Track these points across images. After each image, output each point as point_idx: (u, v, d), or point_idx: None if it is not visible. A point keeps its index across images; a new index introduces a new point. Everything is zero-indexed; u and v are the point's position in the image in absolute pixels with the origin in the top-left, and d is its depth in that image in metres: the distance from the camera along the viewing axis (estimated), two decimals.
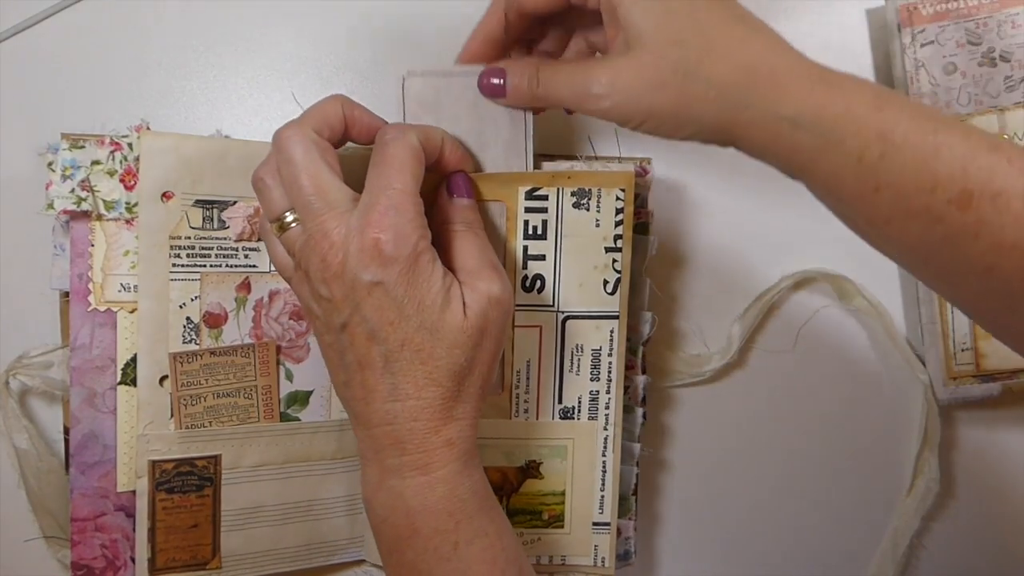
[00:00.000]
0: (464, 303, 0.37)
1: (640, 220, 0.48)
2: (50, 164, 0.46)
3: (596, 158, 0.49)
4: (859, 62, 0.52)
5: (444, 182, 0.42)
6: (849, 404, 0.53)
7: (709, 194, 0.53)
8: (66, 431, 0.48)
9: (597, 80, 0.37)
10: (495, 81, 0.42)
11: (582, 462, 0.47)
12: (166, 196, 0.46)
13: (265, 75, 0.53)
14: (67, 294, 0.47)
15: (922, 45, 0.48)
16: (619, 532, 0.49)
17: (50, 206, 0.46)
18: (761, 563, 0.54)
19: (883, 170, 0.34)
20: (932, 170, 0.34)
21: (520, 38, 0.44)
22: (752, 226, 0.53)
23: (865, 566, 0.53)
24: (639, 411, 0.49)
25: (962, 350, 0.48)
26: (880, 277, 0.52)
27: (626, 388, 0.48)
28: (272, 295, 0.47)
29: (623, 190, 0.45)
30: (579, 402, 0.47)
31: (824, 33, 0.52)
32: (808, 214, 0.50)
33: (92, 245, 0.46)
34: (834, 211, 0.39)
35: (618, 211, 0.45)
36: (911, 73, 0.48)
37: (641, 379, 0.49)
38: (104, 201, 0.47)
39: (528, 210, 0.46)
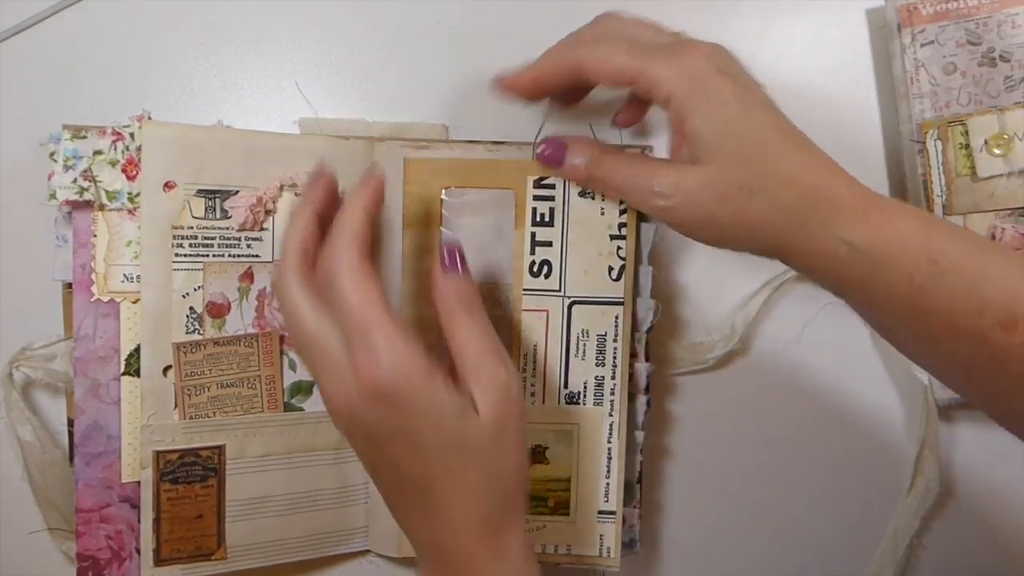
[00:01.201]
0: (475, 403, 0.36)
1: None
2: (52, 154, 0.46)
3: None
4: (859, 62, 0.52)
5: (438, 253, 0.40)
6: (849, 403, 0.53)
7: None
8: (70, 423, 0.47)
9: (661, 181, 0.39)
10: (555, 154, 0.43)
11: (587, 448, 0.48)
12: (168, 186, 0.46)
13: (264, 72, 0.53)
14: (70, 285, 0.47)
15: (922, 45, 0.48)
16: (624, 520, 0.49)
17: (52, 196, 0.46)
18: (759, 562, 0.54)
19: (932, 293, 0.36)
20: (980, 294, 0.36)
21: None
22: None
23: (865, 566, 0.53)
24: (643, 399, 0.49)
25: None
26: None
27: (629, 376, 0.48)
28: None
29: None
30: (584, 387, 0.48)
31: (824, 33, 0.52)
32: None
33: (95, 235, 0.46)
34: (879, 328, 0.41)
35: (622, 200, 0.46)
36: (911, 73, 0.48)
37: (644, 367, 0.49)
38: (106, 191, 0.46)
39: (536, 198, 0.47)
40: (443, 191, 0.48)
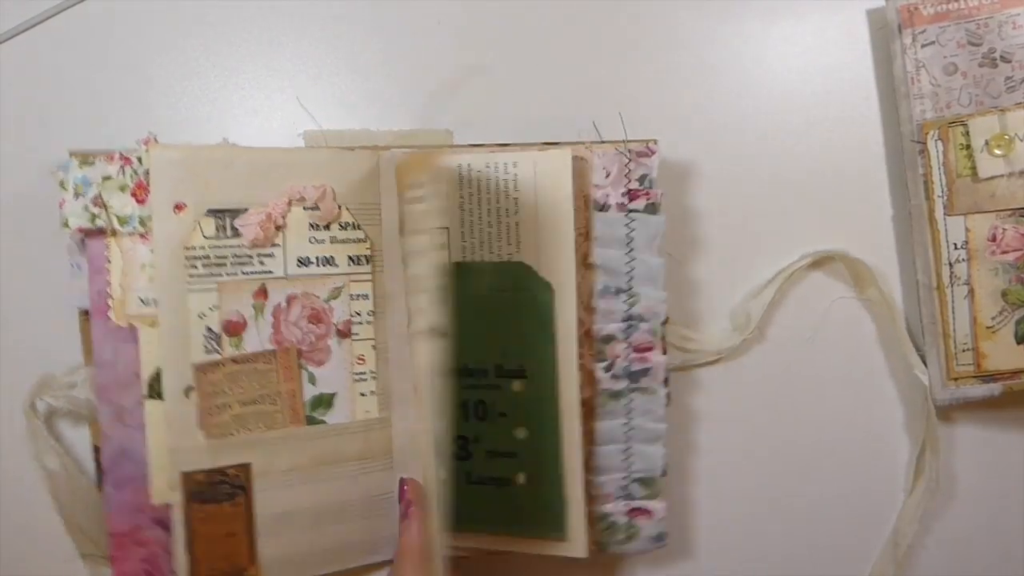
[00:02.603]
0: None
1: (649, 201, 0.49)
2: (61, 182, 0.46)
3: (602, 142, 0.49)
4: (860, 62, 0.52)
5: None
6: (851, 401, 0.54)
7: (720, 172, 0.53)
8: (95, 449, 0.48)
9: None
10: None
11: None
12: (178, 207, 0.46)
13: (266, 75, 0.52)
14: (86, 312, 0.47)
15: (923, 46, 0.49)
16: (652, 513, 0.50)
17: (65, 224, 0.46)
18: (759, 562, 0.55)
19: None
20: None
21: None
22: (765, 206, 0.53)
23: (865, 566, 0.54)
24: (662, 391, 0.50)
25: (963, 350, 0.49)
26: (880, 273, 0.53)
27: (647, 370, 0.49)
28: (290, 299, 0.48)
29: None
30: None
31: (825, 33, 0.52)
32: (818, 196, 0.52)
33: (109, 261, 0.46)
34: None
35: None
36: (912, 74, 0.49)
37: (662, 359, 0.50)
38: (117, 216, 0.46)
39: None
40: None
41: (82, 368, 0.49)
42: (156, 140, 0.47)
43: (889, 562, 0.53)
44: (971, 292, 0.49)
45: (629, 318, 0.49)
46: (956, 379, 0.50)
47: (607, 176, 0.49)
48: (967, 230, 0.49)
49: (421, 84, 0.53)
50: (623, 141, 0.49)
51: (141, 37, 0.52)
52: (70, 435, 0.51)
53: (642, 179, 0.49)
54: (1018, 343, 0.48)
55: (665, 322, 0.49)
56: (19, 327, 0.51)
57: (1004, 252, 0.48)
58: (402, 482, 0.49)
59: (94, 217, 0.46)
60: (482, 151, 0.49)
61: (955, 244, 0.49)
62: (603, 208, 0.49)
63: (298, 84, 0.52)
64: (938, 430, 0.52)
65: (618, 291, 0.49)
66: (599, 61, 0.52)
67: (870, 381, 0.53)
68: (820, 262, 0.53)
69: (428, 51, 0.53)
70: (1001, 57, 0.48)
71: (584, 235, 0.49)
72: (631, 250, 0.49)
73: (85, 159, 0.46)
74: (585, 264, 0.49)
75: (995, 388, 0.49)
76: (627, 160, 0.49)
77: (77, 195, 0.46)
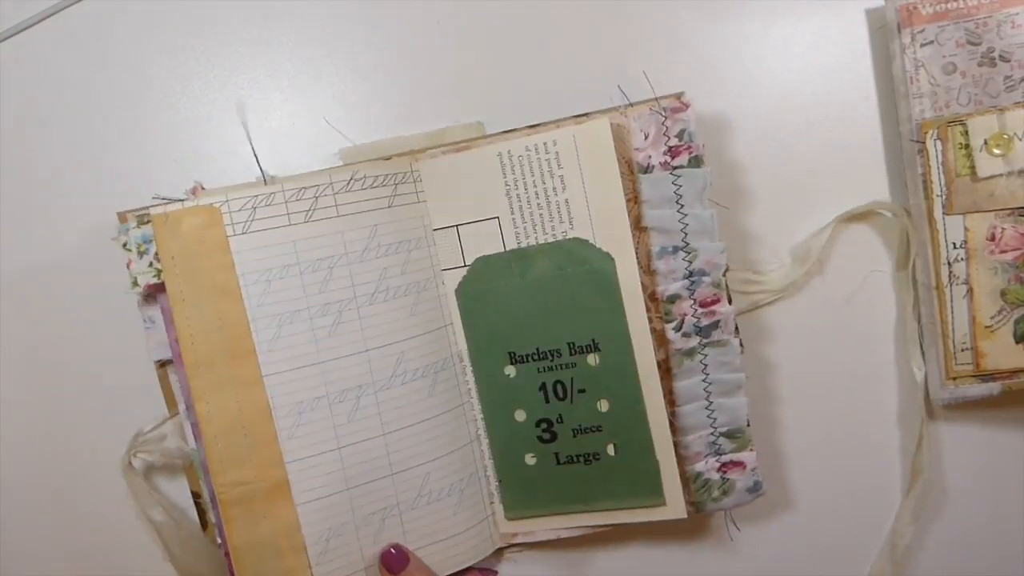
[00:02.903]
0: None
1: (692, 155, 0.48)
2: (124, 244, 0.47)
3: (631, 105, 0.49)
4: (859, 62, 0.51)
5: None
6: (852, 401, 0.53)
7: (720, 172, 0.52)
8: (195, 495, 0.50)
9: None
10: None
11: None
12: None
13: (266, 76, 0.53)
14: (162, 363, 0.49)
15: (922, 45, 0.48)
16: (744, 465, 0.50)
17: (135, 283, 0.47)
18: (757, 561, 0.54)
19: None
20: None
21: None
22: (765, 206, 0.53)
23: (863, 567, 0.54)
24: (735, 341, 0.49)
25: (962, 350, 0.49)
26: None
27: (716, 323, 0.49)
28: None
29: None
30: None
31: (824, 33, 0.51)
32: (818, 196, 0.52)
33: None
34: None
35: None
36: (911, 73, 0.49)
37: (730, 310, 0.49)
38: None
39: None
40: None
41: (168, 420, 0.50)
42: (203, 188, 0.48)
43: (887, 562, 0.52)
44: (970, 291, 0.49)
45: (690, 274, 0.49)
46: (955, 378, 0.50)
47: (646, 138, 0.48)
48: (966, 229, 0.48)
49: (421, 84, 0.53)
50: (655, 99, 0.49)
51: (141, 37, 0.52)
52: (166, 486, 0.52)
53: (680, 134, 0.48)
54: (1017, 342, 0.48)
55: (726, 272, 0.49)
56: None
57: (1003, 251, 0.48)
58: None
59: (159, 272, 0.46)
60: (518, 135, 0.50)
61: (954, 243, 0.49)
62: (647, 170, 0.49)
63: (298, 84, 0.53)
64: (936, 430, 0.52)
65: (675, 249, 0.49)
66: (599, 61, 0.52)
67: (874, 380, 0.53)
68: (863, 215, 0.52)
69: (428, 51, 0.53)
70: (1000, 56, 0.48)
71: (633, 200, 0.49)
72: (681, 207, 0.48)
73: (142, 219, 0.47)
74: (639, 228, 0.49)
75: (994, 387, 0.49)
76: (663, 118, 0.48)
77: (141, 254, 0.47)
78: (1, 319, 0.52)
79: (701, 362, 0.49)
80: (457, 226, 0.50)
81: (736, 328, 0.49)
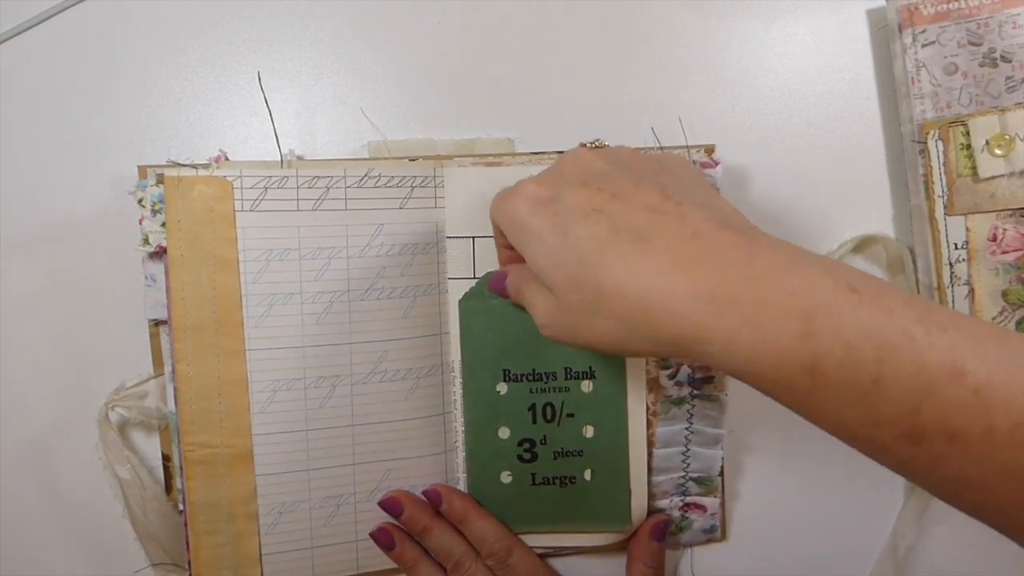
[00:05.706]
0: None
1: None
2: (140, 200, 0.47)
3: (661, 148, 0.49)
4: (860, 62, 0.51)
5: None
6: None
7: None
8: (165, 458, 0.50)
9: (537, 311, 0.40)
10: (497, 283, 0.46)
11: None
12: None
13: (266, 76, 0.52)
14: (156, 323, 0.48)
15: (923, 46, 0.48)
16: (705, 508, 0.51)
17: (146, 241, 0.47)
18: (756, 561, 0.54)
19: (815, 405, 0.31)
20: (873, 406, 0.30)
21: None
22: (764, 206, 0.53)
23: (864, 568, 0.54)
24: (723, 397, 0.50)
25: None
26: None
27: (710, 377, 0.50)
28: None
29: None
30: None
31: (825, 33, 0.51)
32: (818, 196, 0.51)
33: None
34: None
35: None
36: (912, 74, 0.49)
37: None
38: None
39: None
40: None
41: (152, 379, 0.50)
42: (227, 158, 0.48)
43: (889, 563, 0.52)
44: (971, 292, 0.49)
45: None
46: None
47: None
48: (967, 230, 0.48)
49: (422, 84, 0.53)
50: (686, 147, 0.49)
51: (141, 38, 0.52)
52: (141, 444, 0.51)
53: None
54: None
55: None
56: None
57: (1004, 252, 0.48)
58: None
59: None
60: (548, 160, 0.49)
61: (955, 244, 0.49)
62: None
63: (298, 84, 0.52)
64: None
65: None
66: (597, 61, 0.52)
67: None
68: (862, 245, 0.53)
69: (428, 51, 0.53)
70: (1001, 57, 0.48)
71: None
72: None
73: (161, 179, 0.46)
74: None
75: None
76: None
77: (155, 212, 0.47)
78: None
79: (688, 411, 0.50)
80: (473, 238, 0.50)
81: (726, 387, 0.50)
